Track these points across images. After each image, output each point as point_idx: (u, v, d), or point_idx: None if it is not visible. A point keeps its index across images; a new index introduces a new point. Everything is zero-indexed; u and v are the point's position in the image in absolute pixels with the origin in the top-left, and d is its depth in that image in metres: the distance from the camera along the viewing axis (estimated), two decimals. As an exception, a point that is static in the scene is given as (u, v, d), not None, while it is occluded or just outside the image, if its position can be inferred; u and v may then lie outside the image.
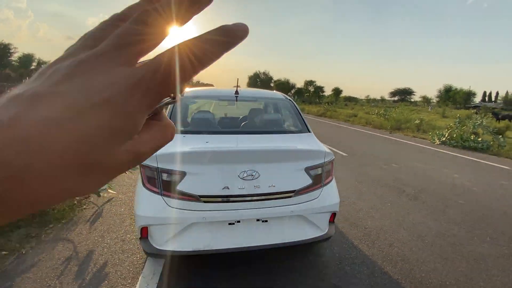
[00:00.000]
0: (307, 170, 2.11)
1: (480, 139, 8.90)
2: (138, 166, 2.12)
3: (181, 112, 2.57)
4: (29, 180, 0.14)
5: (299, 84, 64.91)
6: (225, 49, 0.18)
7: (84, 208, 3.25)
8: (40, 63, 49.72)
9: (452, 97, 59.41)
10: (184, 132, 2.32)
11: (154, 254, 1.94)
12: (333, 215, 2.28)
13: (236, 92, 2.73)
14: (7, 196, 0.14)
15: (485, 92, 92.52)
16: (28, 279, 2.08)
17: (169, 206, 1.91)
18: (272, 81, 64.66)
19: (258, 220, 2.06)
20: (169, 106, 2.34)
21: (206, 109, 3.82)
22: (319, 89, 61.33)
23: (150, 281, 2.10)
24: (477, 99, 66.09)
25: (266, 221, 2.08)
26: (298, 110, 2.91)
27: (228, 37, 0.18)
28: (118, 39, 0.18)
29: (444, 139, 9.50)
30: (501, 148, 8.33)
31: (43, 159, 0.14)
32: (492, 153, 8.14)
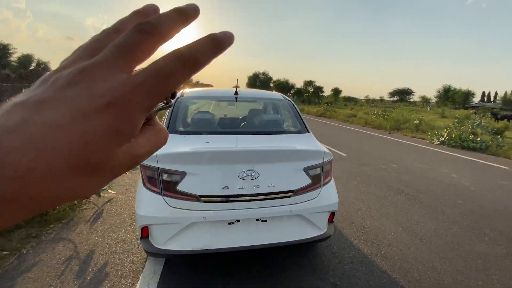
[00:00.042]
0: (306, 170, 2.13)
1: (478, 139, 8.93)
2: (138, 167, 2.14)
3: (181, 112, 2.58)
4: (35, 181, 0.15)
5: (299, 84, 64.85)
6: (214, 54, 0.20)
7: (85, 209, 3.26)
8: (39, 63, 49.57)
9: (451, 97, 59.53)
10: (184, 133, 2.34)
11: (155, 253, 1.95)
12: (332, 214, 2.30)
13: (236, 93, 2.74)
14: (15, 197, 0.15)
15: (484, 92, 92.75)
16: (29, 279, 2.09)
17: (170, 206, 1.93)
18: (272, 81, 64.66)
19: (257, 219, 2.08)
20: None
21: (205, 109, 3.83)
22: (319, 89, 61.29)
23: (151, 281, 2.11)
24: (476, 99, 66.17)
25: (266, 220, 2.09)
26: (297, 111, 2.93)
27: (216, 44, 0.20)
28: (116, 48, 0.19)
29: (443, 139, 9.53)
30: (500, 148, 8.36)
31: (49, 161, 0.15)
32: (490, 153, 8.17)
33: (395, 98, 75.04)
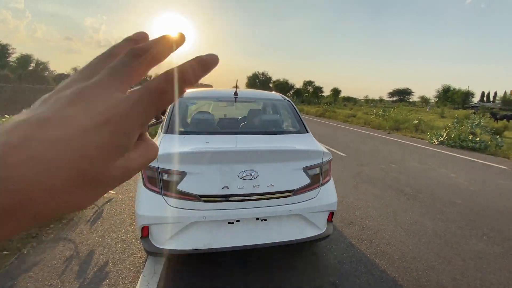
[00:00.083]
0: (305, 170, 2.14)
1: (478, 139, 8.94)
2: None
3: (180, 113, 2.60)
4: (36, 194, 0.16)
5: (298, 84, 64.90)
6: (201, 74, 0.23)
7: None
8: (38, 63, 49.54)
9: (451, 97, 59.56)
10: (184, 133, 2.35)
11: (155, 253, 1.97)
12: (331, 214, 2.31)
13: (235, 93, 2.76)
14: (17, 209, 0.16)
15: (483, 92, 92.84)
16: (30, 278, 2.10)
17: (170, 205, 1.94)
18: (271, 81, 64.68)
19: (257, 219, 2.09)
20: (169, 107, 2.37)
21: (205, 110, 3.84)
22: (318, 89, 61.36)
23: (151, 280, 2.12)
24: (476, 99, 66.15)
25: (265, 220, 2.11)
26: (296, 111, 2.94)
27: (203, 65, 0.23)
28: (112, 71, 0.21)
29: (442, 139, 9.54)
30: (499, 148, 8.38)
31: (50, 174, 0.16)
32: (489, 153, 8.19)
33: (394, 98, 75.06)
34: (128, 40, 0.25)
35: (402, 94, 75.05)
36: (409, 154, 7.49)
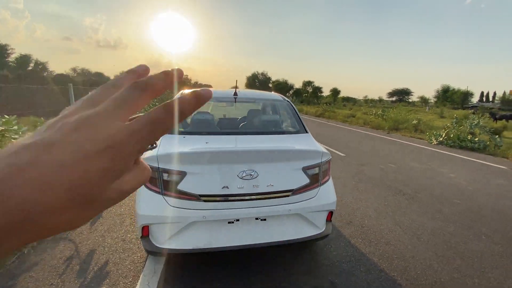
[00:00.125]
0: (305, 169, 2.15)
1: (477, 139, 8.96)
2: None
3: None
4: (38, 213, 0.18)
5: (298, 84, 65.00)
6: (196, 106, 0.25)
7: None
8: (37, 63, 49.45)
9: (450, 97, 59.58)
10: (184, 133, 2.36)
11: (155, 252, 1.98)
12: (330, 213, 2.32)
13: (235, 94, 2.77)
14: (22, 226, 0.17)
15: (482, 92, 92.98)
16: (30, 278, 2.11)
17: (170, 205, 1.95)
18: (271, 81, 64.70)
19: (256, 218, 2.10)
20: None
21: (205, 110, 3.85)
22: (318, 89, 61.41)
23: (151, 280, 2.13)
24: (475, 99, 66.21)
25: (265, 219, 2.12)
26: (295, 111, 2.96)
27: (198, 98, 0.25)
28: (115, 101, 0.23)
29: (441, 139, 9.57)
30: (498, 148, 8.40)
31: (52, 195, 0.18)
32: (488, 153, 8.21)
33: (394, 98, 75.04)
34: (130, 72, 0.27)
35: (401, 94, 75.05)
36: (408, 154, 7.51)
